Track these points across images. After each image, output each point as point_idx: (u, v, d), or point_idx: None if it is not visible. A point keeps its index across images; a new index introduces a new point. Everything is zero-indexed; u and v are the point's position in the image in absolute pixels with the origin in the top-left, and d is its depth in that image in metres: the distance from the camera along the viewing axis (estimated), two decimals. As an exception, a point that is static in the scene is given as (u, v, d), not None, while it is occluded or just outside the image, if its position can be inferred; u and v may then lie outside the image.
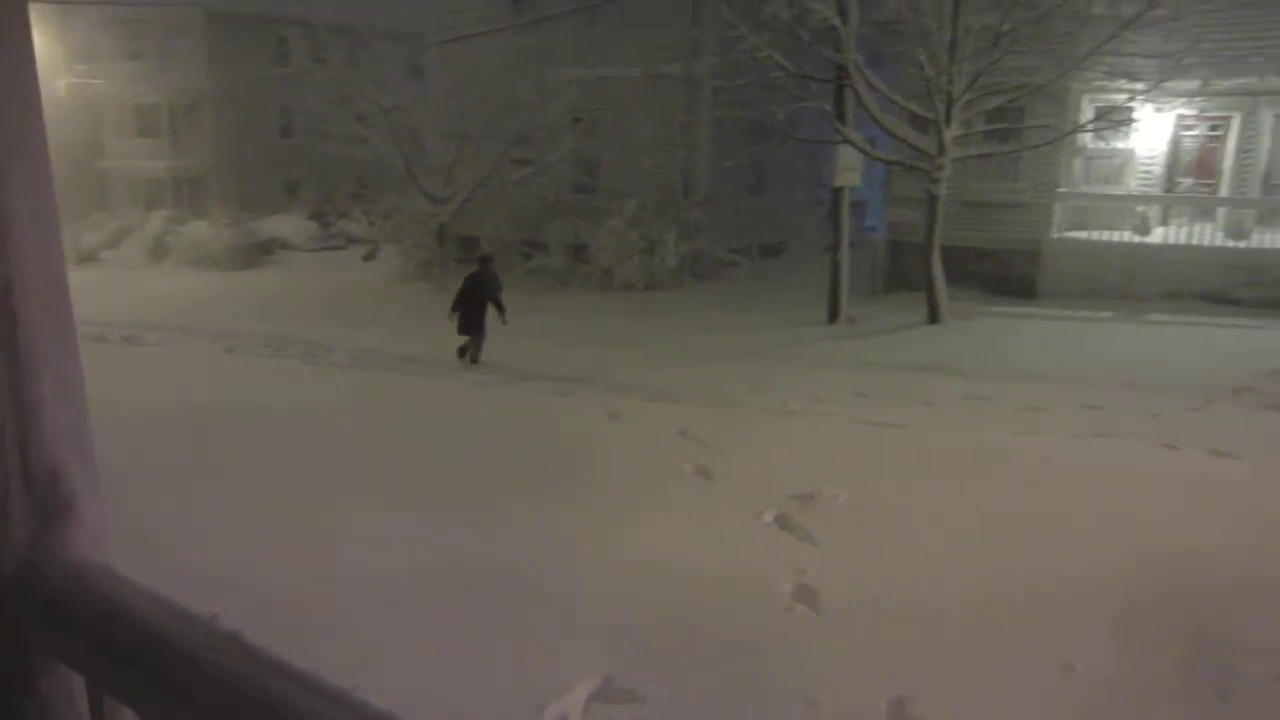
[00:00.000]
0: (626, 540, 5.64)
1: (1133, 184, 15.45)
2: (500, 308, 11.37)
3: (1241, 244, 13.86)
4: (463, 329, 11.37)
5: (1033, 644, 4.36)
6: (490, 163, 19.24)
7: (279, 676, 0.88)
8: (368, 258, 24.67)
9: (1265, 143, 14.49)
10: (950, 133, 12.83)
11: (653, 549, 5.52)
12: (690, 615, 4.69)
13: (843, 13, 12.66)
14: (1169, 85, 12.83)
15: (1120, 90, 13.07)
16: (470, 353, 11.54)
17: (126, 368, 10.65)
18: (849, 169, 14.20)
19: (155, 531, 5.26)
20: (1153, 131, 15.06)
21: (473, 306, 11.27)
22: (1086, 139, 14.51)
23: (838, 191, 14.39)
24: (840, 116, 13.65)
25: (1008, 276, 15.87)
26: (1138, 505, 5.97)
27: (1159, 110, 14.46)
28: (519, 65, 18.78)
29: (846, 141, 13.64)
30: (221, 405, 9.43)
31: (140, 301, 19.78)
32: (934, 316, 13.67)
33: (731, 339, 13.19)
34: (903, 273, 17.26)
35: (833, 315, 14.48)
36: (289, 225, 28.45)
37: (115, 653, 1.00)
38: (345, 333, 14.49)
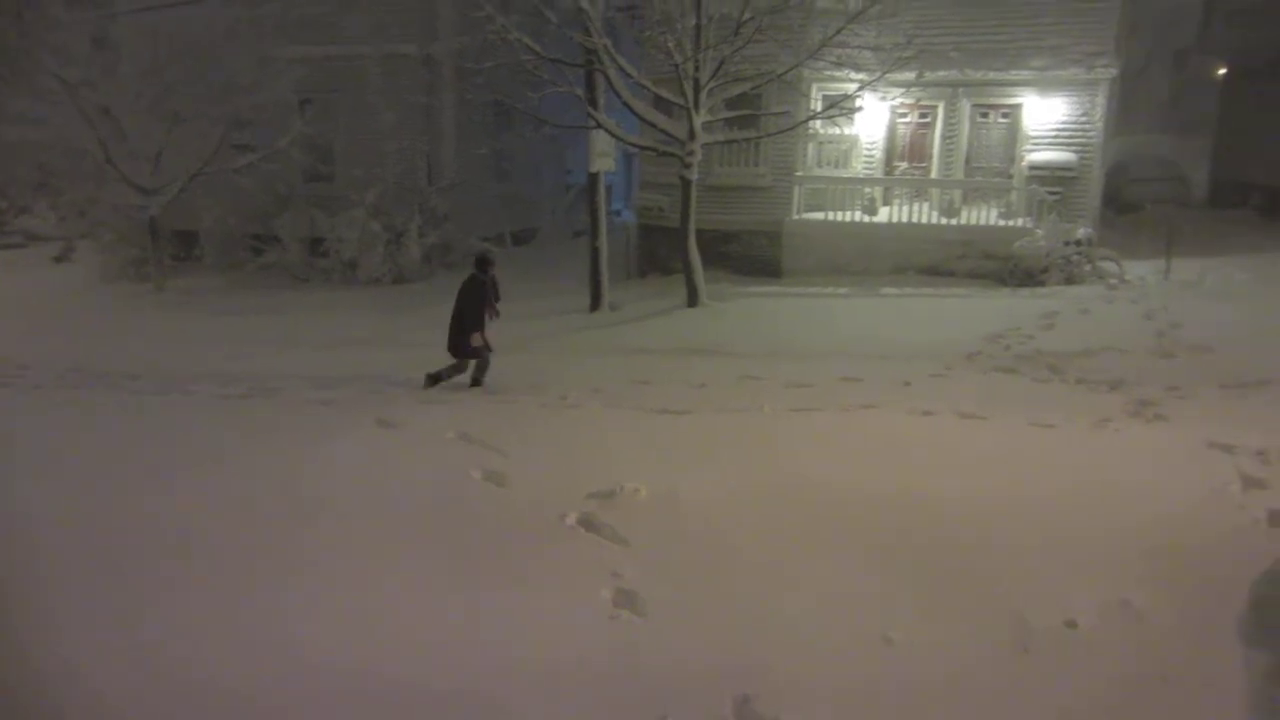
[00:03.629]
0: (421, 568, 5.12)
1: (859, 167, 16.73)
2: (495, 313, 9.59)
3: (953, 221, 15.43)
4: (462, 349, 9.28)
5: (851, 621, 4.42)
6: (208, 148, 17.28)
7: None
8: (60, 259, 21.48)
9: (965, 129, 16.23)
10: (699, 118, 13.13)
11: (450, 571, 5.05)
12: (511, 636, 4.32)
13: (590, -4, 12.53)
14: (888, 76, 13.93)
15: (847, 80, 14.03)
16: (474, 373, 9.43)
17: None
18: (603, 154, 14.16)
19: None
20: (874, 119, 16.37)
21: (472, 320, 9.25)
22: (818, 125, 15.48)
23: (593, 177, 14.31)
24: (592, 101, 13.55)
25: (754, 257, 16.62)
26: (915, 472, 6.31)
27: (881, 99, 15.72)
28: (234, 40, 16.98)
29: (600, 127, 13.56)
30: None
31: None
32: (693, 299, 14.00)
33: (496, 332, 12.69)
34: (655, 256, 17.61)
35: (595, 302, 14.43)
36: (-49, 223, 24.15)
37: None
38: (42, 346, 12.39)
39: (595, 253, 14.32)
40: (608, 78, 13.03)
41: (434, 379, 9.49)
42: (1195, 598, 4.29)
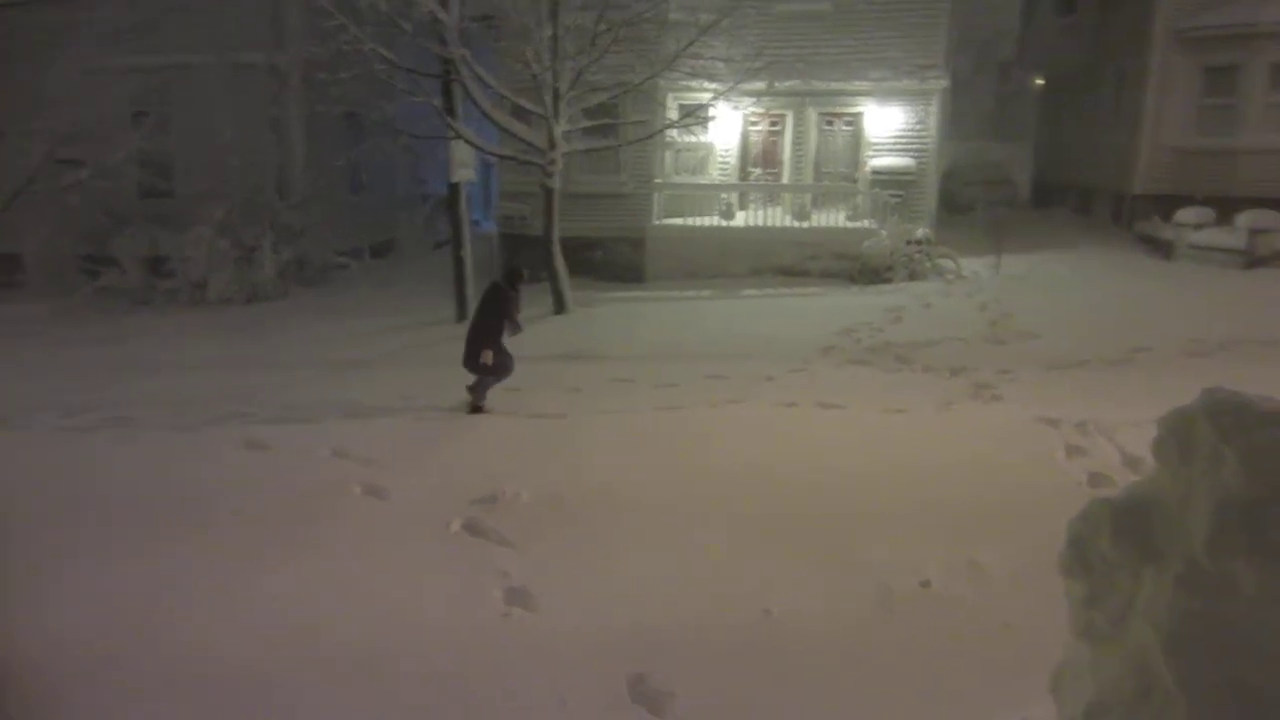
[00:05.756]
0: (309, 581, 5.08)
1: (715, 174, 17.34)
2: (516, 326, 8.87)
3: (804, 224, 16.23)
4: (494, 367, 8.54)
5: (733, 597, 4.70)
6: (32, 165, 16.15)
7: None
8: None
9: (813, 137, 17.09)
10: (560, 127, 13.32)
11: (339, 583, 5.04)
12: (408, 645, 4.36)
13: (444, 4, 12.51)
14: (740, 86, 14.54)
15: (701, 90, 14.57)
16: (481, 396, 8.68)
17: None
18: (463, 164, 14.12)
19: None
20: (728, 127, 17.00)
21: (491, 335, 8.59)
22: (675, 134, 15.97)
23: (454, 187, 14.26)
24: (450, 111, 13.51)
25: (617, 263, 16.94)
26: (782, 458, 6.69)
27: (734, 108, 16.34)
28: (53, 48, 15.92)
29: (459, 137, 13.54)
30: None
31: None
32: (560, 306, 14.15)
33: (362, 346, 12.50)
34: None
35: (461, 313, 14.34)
36: None
37: None
38: None
39: (459, 263, 14.27)
40: (466, 88, 13.04)
41: (476, 408, 8.61)
42: (1029, 552, 4.76)
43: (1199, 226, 15.64)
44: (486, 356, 8.47)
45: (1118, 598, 2.65)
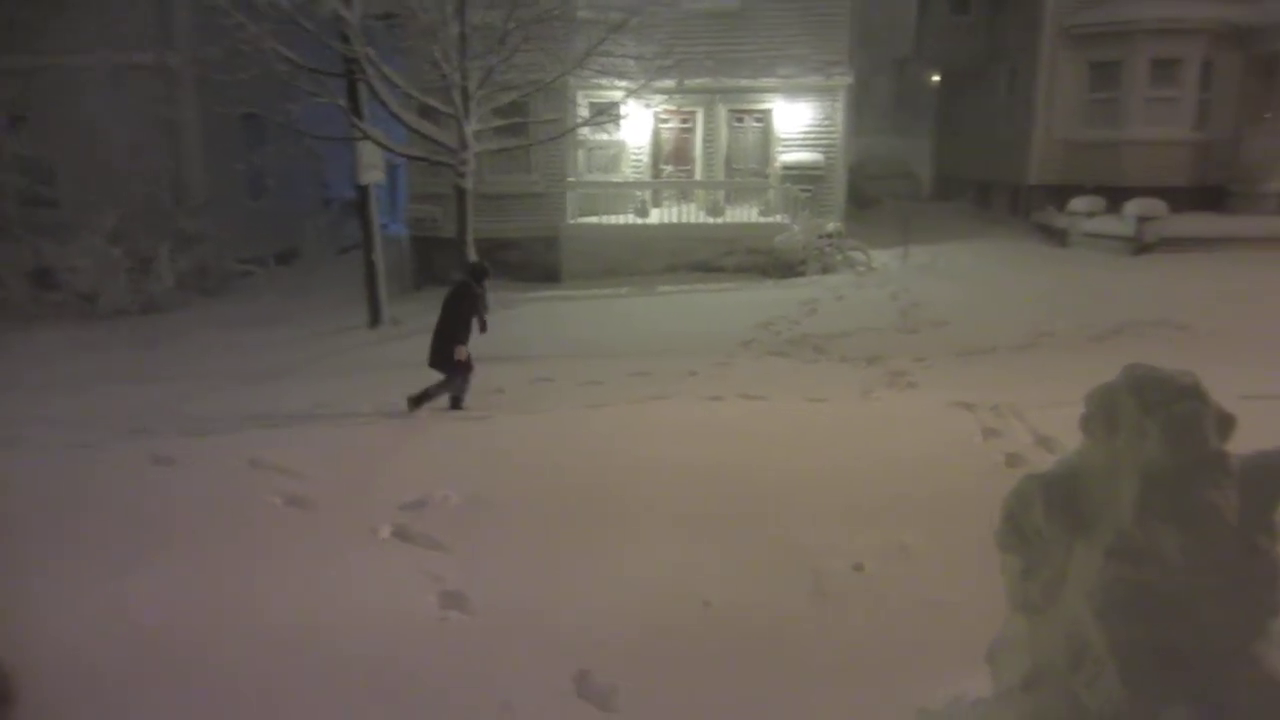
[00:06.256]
0: (235, 595, 4.87)
1: (628, 172, 17.38)
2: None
3: (718, 220, 16.41)
4: (446, 363, 8.42)
5: (671, 590, 4.69)
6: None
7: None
8: None
9: (723, 133, 17.31)
10: (471, 127, 13.13)
11: (270, 597, 4.85)
12: (340, 655, 4.22)
13: (347, 2, 12.18)
14: (650, 84, 14.61)
15: (612, 88, 14.58)
16: (434, 395, 8.49)
17: None
18: (372, 166, 13.81)
19: None
20: (639, 125, 17.07)
21: (460, 333, 8.45)
22: (586, 132, 15.94)
23: (363, 190, 13.92)
24: (356, 112, 13.18)
25: (533, 263, 16.82)
26: (711, 451, 6.73)
27: (645, 106, 16.42)
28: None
29: (366, 138, 13.22)
30: None
31: None
32: (477, 308, 13.94)
33: (275, 356, 12.09)
34: (431, 269, 17.36)
35: (375, 318, 14.05)
36: None
37: None
38: None
39: (371, 267, 13.95)
40: (372, 87, 12.73)
41: (418, 400, 8.45)
42: (954, 532, 4.93)
43: (1091, 215, 16.43)
44: (461, 353, 8.43)
45: (1051, 569, 2.75)
